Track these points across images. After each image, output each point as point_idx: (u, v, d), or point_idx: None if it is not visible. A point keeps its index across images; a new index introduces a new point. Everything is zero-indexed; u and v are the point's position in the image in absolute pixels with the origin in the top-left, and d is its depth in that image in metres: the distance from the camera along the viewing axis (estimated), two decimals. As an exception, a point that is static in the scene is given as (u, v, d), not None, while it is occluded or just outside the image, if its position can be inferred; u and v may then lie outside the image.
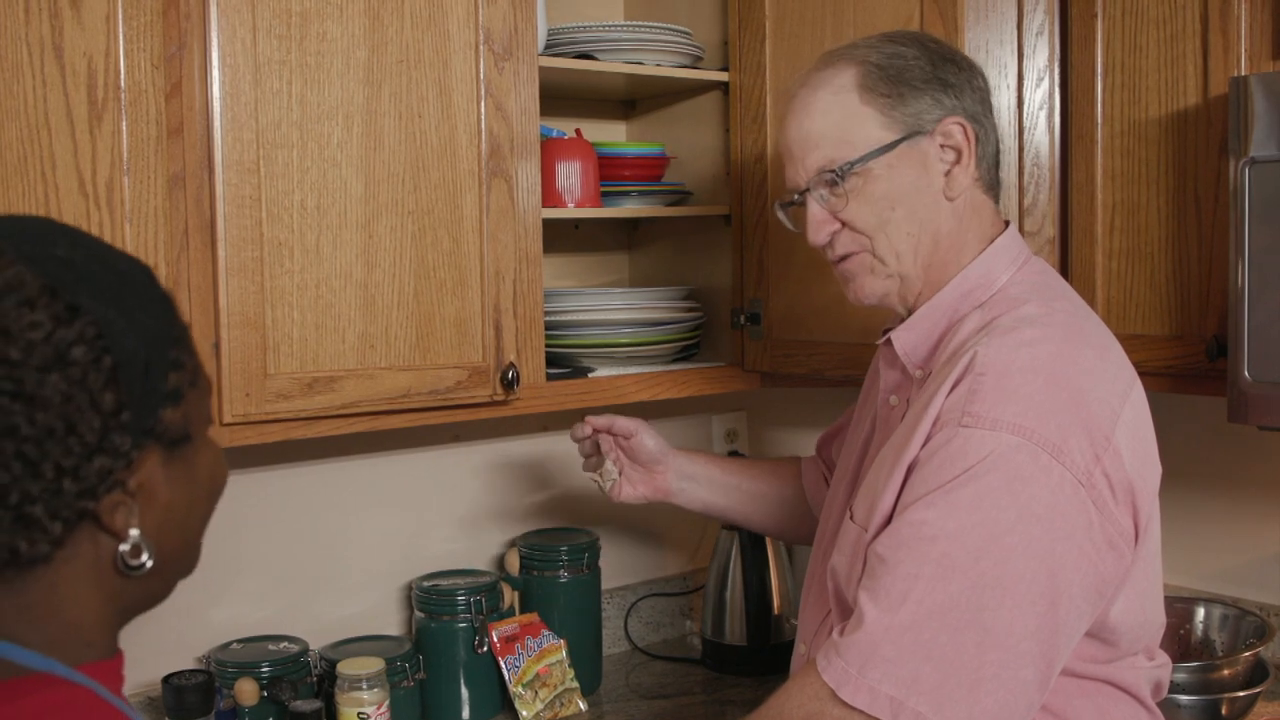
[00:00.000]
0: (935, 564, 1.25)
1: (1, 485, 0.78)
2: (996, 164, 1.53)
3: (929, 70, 1.47)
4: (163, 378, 0.87)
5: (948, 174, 1.47)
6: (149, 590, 0.92)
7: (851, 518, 1.43)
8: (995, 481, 1.26)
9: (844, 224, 1.49)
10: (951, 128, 1.46)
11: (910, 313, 1.51)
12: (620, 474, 1.89)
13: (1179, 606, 2.11)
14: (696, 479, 1.92)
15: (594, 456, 1.93)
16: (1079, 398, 1.30)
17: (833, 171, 1.46)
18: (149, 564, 0.87)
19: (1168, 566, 2.28)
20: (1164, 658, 1.49)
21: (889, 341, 1.52)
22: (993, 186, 1.52)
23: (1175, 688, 1.82)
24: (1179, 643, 2.09)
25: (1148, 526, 1.35)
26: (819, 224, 1.50)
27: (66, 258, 0.84)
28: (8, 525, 0.79)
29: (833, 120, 1.48)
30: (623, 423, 1.87)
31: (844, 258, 1.51)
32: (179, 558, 0.93)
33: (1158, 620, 1.46)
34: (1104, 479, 1.28)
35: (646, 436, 1.87)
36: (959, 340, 1.40)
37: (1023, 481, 1.25)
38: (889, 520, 1.34)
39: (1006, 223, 1.53)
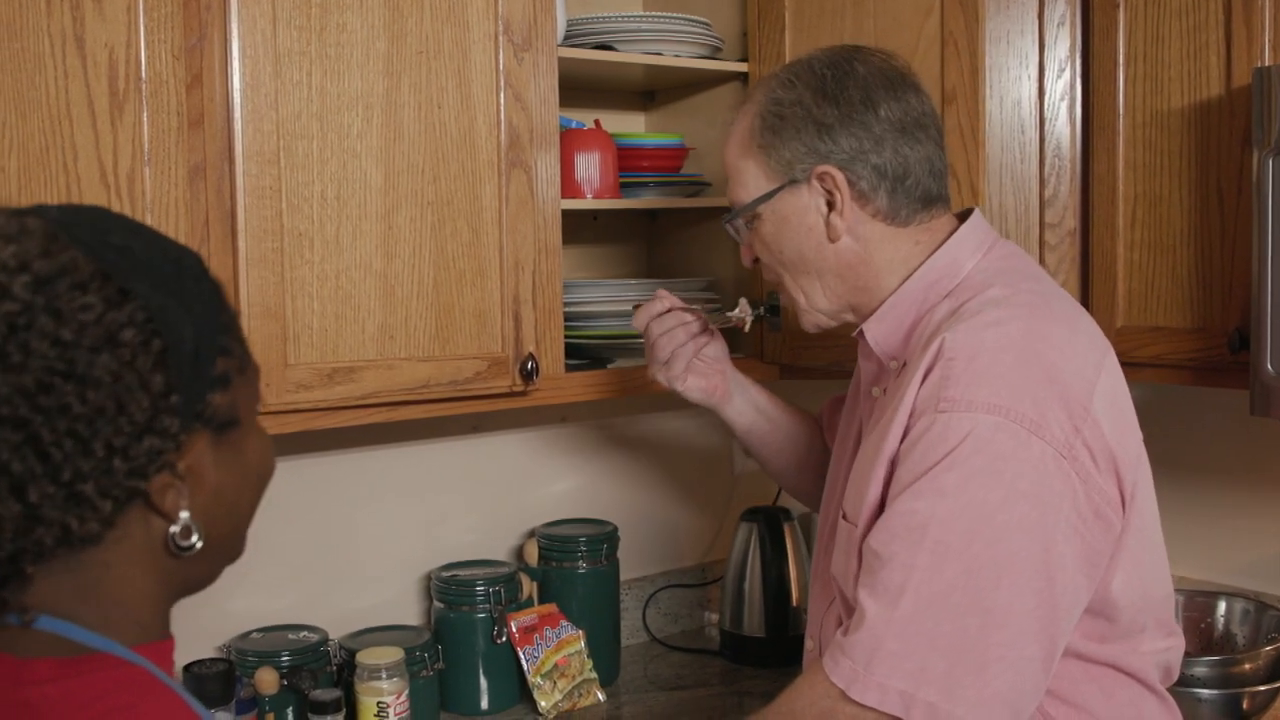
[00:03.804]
0: (929, 552, 1.26)
1: (54, 463, 0.80)
2: (917, 184, 1.47)
3: (803, 114, 1.47)
4: (211, 363, 0.88)
5: (826, 219, 1.48)
6: (197, 573, 0.94)
7: (844, 516, 1.44)
8: (979, 463, 1.26)
9: (757, 258, 1.58)
10: (822, 175, 1.47)
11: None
12: (685, 366, 1.75)
13: (1200, 600, 2.10)
14: (748, 394, 1.85)
15: (667, 335, 1.74)
16: (1051, 372, 1.31)
17: (733, 212, 1.55)
18: (198, 545, 0.89)
19: (1188, 560, 2.28)
20: (1176, 639, 1.48)
21: (862, 334, 1.53)
22: (896, 214, 1.47)
23: (1196, 681, 1.82)
24: (1200, 636, 2.08)
25: (1134, 494, 1.35)
26: (743, 252, 1.61)
27: (121, 245, 0.86)
28: (60, 502, 0.81)
29: (732, 165, 1.56)
30: (697, 317, 1.77)
31: (776, 288, 1.59)
32: (226, 542, 0.95)
33: (1160, 593, 1.44)
34: (1085, 450, 1.29)
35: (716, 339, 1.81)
36: (930, 330, 1.41)
37: (1005, 460, 1.26)
38: (877, 513, 1.35)
39: (970, 210, 1.53)
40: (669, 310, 1.76)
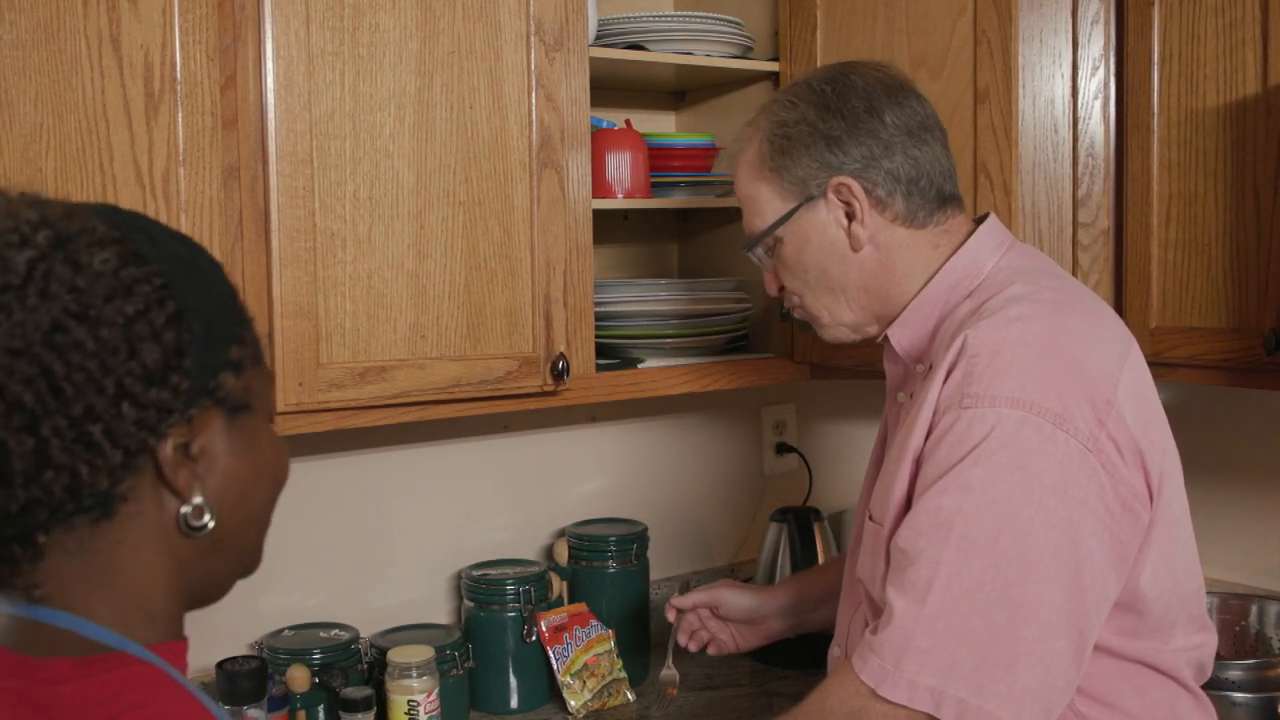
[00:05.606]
0: (955, 548, 1.26)
1: (66, 397, 0.81)
2: (931, 184, 1.49)
3: (809, 131, 1.49)
4: (225, 346, 0.90)
5: (848, 230, 1.49)
6: (209, 569, 0.93)
7: (870, 517, 1.44)
8: (1004, 458, 1.26)
9: (782, 284, 1.58)
10: (838, 187, 1.48)
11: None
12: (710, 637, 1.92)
13: (1235, 603, 2.08)
14: (805, 603, 1.89)
15: (699, 630, 1.94)
16: (1074, 365, 1.31)
17: (752, 240, 1.55)
18: (210, 524, 0.89)
19: (1223, 562, 2.26)
20: (1208, 634, 1.47)
21: (888, 339, 1.53)
22: (914, 216, 1.49)
23: (1230, 684, 1.80)
24: (1235, 640, 2.07)
25: (1161, 487, 1.34)
26: (767, 281, 1.62)
27: (141, 227, 0.89)
28: (69, 443, 0.81)
29: (745, 193, 1.57)
30: (701, 596, 1.90)
31: (796, 308, 1.59)
32: (239, 538, 0.94)
33: (1191, 586, 1.44)
34: (1110, 442, 1.29)
35: (730, 596, 1.88)
36: (952, 329, 1.41)
37: (1030, 454, 1.26)
38: (903, 512, 1.35)
39: (986, 214, 1.53)
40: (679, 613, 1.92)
